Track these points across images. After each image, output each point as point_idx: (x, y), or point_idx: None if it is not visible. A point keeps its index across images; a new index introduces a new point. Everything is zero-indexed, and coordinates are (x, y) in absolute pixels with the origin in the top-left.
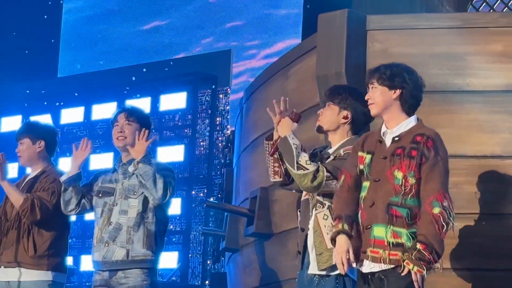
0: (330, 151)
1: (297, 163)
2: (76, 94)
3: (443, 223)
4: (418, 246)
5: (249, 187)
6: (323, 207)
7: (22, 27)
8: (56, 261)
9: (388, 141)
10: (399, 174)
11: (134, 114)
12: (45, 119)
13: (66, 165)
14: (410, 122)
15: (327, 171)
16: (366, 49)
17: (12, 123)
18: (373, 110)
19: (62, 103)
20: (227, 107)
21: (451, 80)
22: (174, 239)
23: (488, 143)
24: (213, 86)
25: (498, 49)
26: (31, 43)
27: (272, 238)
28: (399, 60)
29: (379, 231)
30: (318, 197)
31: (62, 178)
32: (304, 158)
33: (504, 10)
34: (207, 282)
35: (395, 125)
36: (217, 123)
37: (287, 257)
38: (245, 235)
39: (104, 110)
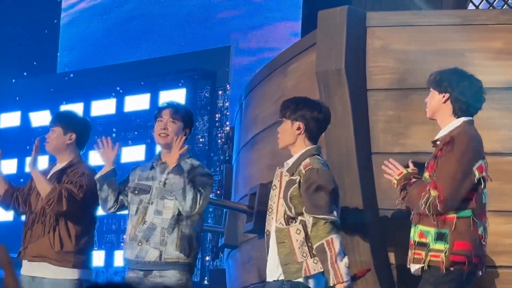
0: (290, 161)
1: None
2: (75, 90)
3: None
4: None
5: (248, 184)
6: (296, 222)
7: (21, 23)
8: (82, 258)
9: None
10: (426, 174)
11: (179, 112)
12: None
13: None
14: (453, 125)
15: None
16: (366, 46)
17: (11, 119)
18: (427, 114)
19: (61, 99)
20: (226, 104)
21: None
22: None
23: (488, 140)
24: (212, 83)
25: (497, 46)
26: (30, 39)
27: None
28: (399, 57)
29: (411, 232)
30: (289, 213)
31: (96, 176)
32: None
33: (503, 7)
34: (206, 278)
35: (443, 128)
36: (216, 119)
37: None
38: (245, 232)
39: (103, 106)
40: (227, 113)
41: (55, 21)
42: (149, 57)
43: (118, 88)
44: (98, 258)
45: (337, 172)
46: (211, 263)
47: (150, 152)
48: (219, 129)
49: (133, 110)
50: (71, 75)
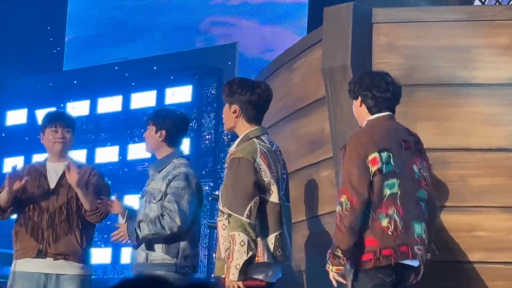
0: (232, 147)
1: None
2: (81, 88)
3: (338, 222)
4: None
5: None
6: (223, 216)
7: (27, 20)
8: (91, 254)
9: None
10: None
11: (151, 118)
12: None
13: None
14: None
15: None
16: (372, 42)
17: (18, 116)
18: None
19: (67, 96)
20: None
21: (456, 73)
22: None
23: (493, 136)
24: (219, 80)
25: (504, 42)
26: (36, 37)
27: None
28: (405, 53)
29: None
30: (220, 206)
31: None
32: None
33: (509, 3)
34: (212, 275)
35: None
36: (223, 116)
37: (293, 249)
38: None
39: (109, 104)
40: None
41: (61, 17)
42: (155, 54)
43: (124, 86)
44: (105, 255)
45: None
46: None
47: None
48: None
49: (140, 107)
50: (78, 72)
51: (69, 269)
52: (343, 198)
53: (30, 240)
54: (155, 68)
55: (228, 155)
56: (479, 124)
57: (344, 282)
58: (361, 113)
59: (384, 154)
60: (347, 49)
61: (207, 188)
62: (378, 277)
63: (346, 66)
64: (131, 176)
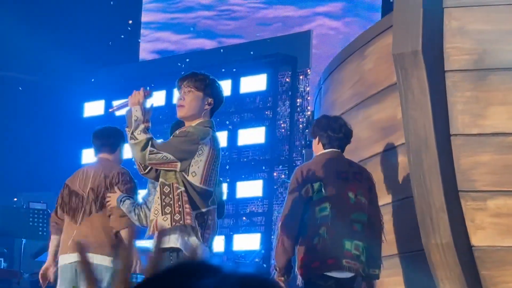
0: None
1: (132, 133)
2: (157, 78)
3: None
4: None
5: None
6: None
7: (104, 12)
8: None
9: None
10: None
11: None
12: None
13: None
14: None
15: (152, 145)
16: (443, 27)
17: (95, 108)
18: None
19: (144, 87)
20: (307, 88)
21: None
22: (256, 221)
23: None
24: (293, 68)
25: None
26: (113, 28)
27: None
28: (476, 37)
29: None
30: (161, 179)
31: None
32: (138, 129)
33: None
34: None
35: None
36: (298, 104)
37: None
38: None
39: None
40: (309, 98)
41: (137, 8)
42: (230, 43)
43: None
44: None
45: (415, 155)
46: None
47: (231, 138)
48: (301, 114)
49: None
50: (153, 63)
51: (101, 260)
52: (278, 235)
53: None
54: (229, 57)
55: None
56: None
57: None
58: (317, 150)
59: (316, 185)
60: (417, 34)
61: (283, 176)
62: (319, 284)
63: (417, 51)
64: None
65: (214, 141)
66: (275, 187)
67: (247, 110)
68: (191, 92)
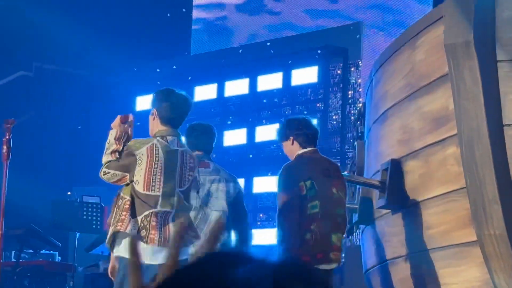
0: None
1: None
2: (208, 71)
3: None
4: None
5: (380, 159)
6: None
7: (155, 6)
8: None
9: None
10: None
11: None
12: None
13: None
14: None
15: (106, 166)
16: (495, 17)
17: (147, 101)
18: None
19: (195, 81)
20: (359, 80)
21: None
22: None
23: None
24: (344, 60)
25: None
26: (164, 22)
27: (404, 209)
28: None
29: None
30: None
31: None
32: (107, 151)
33: None
34: (342, 255)
35: None
36: (349, 96)
37: (421, 229)
38: (377, 208)
39: (236, 87)
40: (360, 90)
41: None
42: (279, 36)
43: (250, 68)
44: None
45: (468, 146)
46: (347, 240)
47: None
48: (352, 106)
49: (266, 89)
50: (204, 56)
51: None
52: (279, 226)
53: None
54: (280, 49)
55: None
56: None
57: None
58: (292, 150)
59: (308, 182)
60: (469, 24)
61: None
62: None
63: (469, 41)
64: (259, 158)
65: (155, 149)
66: None
67: (298, 102)
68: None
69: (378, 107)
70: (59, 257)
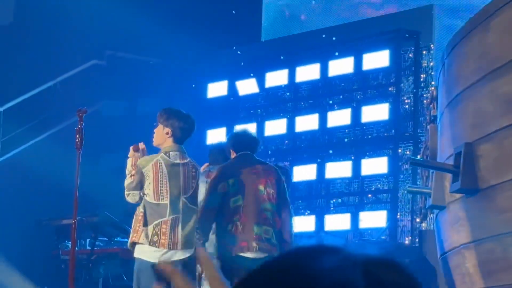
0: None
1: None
2: (279, 57)
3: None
4: None
5: (453, 143)
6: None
7: None
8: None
9: None
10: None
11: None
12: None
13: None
14: None
15: (127, 189)
16: None
17: (218, 88)
18: None
19: (266, 67)
20: (431, 64)
21: None
22: (382, 198)
23: None
24: (416, 43)
25: None
26: (234, 8)
27: (478, 193)
28: None
29: None
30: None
31: None
32: (127, 177)
33: None
34: (416, 240)
35: None
36: (421, 80)
37: (495, 213)
38: (451, 192)
39: (308, 72)
40: (432, 73)
41: None
42: (351, 20)
43: (321, 53)
44: (309, 223)
45: None
46: (420, 224)
47: (355, 115)
48: (425, 89)
49: (337, 74)
50: (275, 42)
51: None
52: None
53: None
54: (350, 34)
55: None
56: None
57: None
58: (233, 155)
59: (231, 180)
60: None
61: (407, 152)
62: (236, 263)
63: None
64: (332, 143)
65: (159, 164)
66: (400, 163)
67: (370, 86)
68: (157, 126)
69: (450, 91)
70: None
